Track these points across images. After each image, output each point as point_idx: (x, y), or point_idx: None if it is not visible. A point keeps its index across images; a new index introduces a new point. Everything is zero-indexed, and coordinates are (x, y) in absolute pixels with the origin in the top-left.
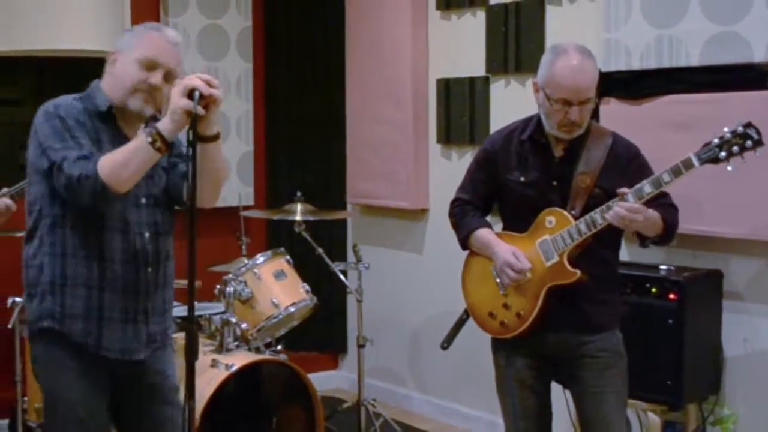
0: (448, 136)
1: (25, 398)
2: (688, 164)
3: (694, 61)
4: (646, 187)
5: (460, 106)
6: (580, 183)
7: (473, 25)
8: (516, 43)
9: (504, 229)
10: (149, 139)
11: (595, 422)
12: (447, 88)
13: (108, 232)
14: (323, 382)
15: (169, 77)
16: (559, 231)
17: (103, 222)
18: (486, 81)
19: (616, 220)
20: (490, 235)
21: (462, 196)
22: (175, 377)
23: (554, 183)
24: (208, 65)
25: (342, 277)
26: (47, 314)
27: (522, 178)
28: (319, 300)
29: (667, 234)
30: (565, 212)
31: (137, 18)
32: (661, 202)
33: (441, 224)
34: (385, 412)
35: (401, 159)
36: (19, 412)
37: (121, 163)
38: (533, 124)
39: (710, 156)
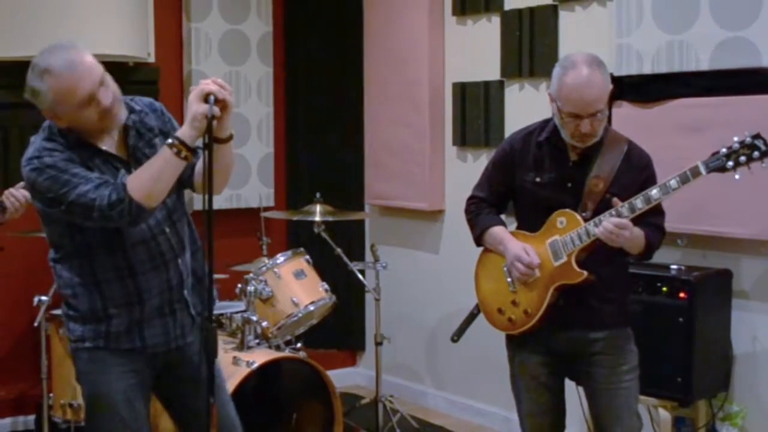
0: (463, 139)
1: (51, 394)
2: (695, 172)
3: (704, 65)
4: (639, 202)
5: (475, 110)
6: (592, 187)
7: (488, 31)
8: (530, 47)
9: (518, 227)
10: (174, 150)
11: (607, 417)
12: (463, 91)
13: (131, 248)
14: (342, 378)
15: (102, 85)
16: (569, 232)
17: (124, 240)
18: (501, 85)
19: (604, 235)
20: (503, 232)
21: (478, 194)
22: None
23: (568, 185)
24: (229, 70)
25: (360, 276)
26: (90, 337)
27: (537, 179)
28: (337, 299)
29: (646, 255)
30: (576, 214)
31: (161, 23)
32: (651, 221)
33: (457, 225)
34: (402, 408)
35: (418, 161)
36: (45, 408)
37: (152, 180)
38: (550, 127)
39: (718, 165)
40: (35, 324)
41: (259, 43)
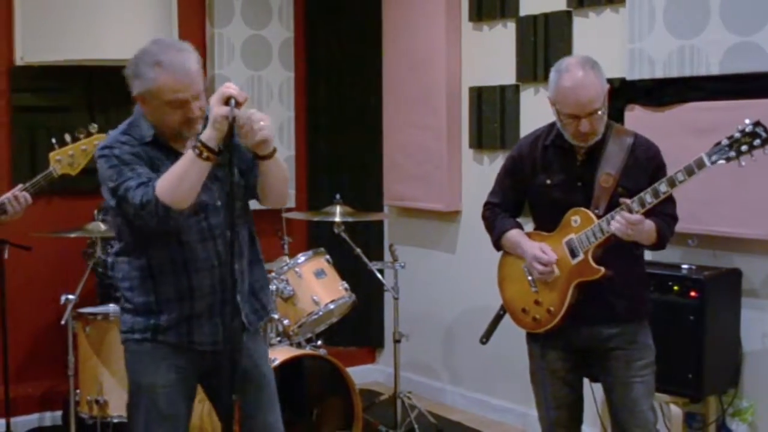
0: (480, 142)
1: (78, 391)
2: (700, 164)
3: (715, 70)
4: (648, 196)
5: (491, 113)
6: (603, 183)
7: (504, 36)
8: (545, 52)
9: (535, 228)
10: (196, 152)
11: (624, 410)
12: (479, 95)
13: (188, 247)
14: (361, 375)
15: (197, 99)
16: (583, 230)
17: (181, 237)
18: (516, 89)
19: (618, 230)
20: (519, 235)
21: (493, 200)
22: (265, 365)
23: (578, 184)
24: (251, 74)
25: (379, 275)
26: (140, 329)
27: (548, 181)
28: (357, 297)
29: (659, 244)
30: (589, 212)
31: (184, 28)
32: (662, 210)
33: (473, 225)
34: (420, 404)
35: (435, 163)
36: (72, 404)
37: (176, 181)
38: (556, 130)
39: (721, 155)
40: (62, 322)
41: (280, 48)
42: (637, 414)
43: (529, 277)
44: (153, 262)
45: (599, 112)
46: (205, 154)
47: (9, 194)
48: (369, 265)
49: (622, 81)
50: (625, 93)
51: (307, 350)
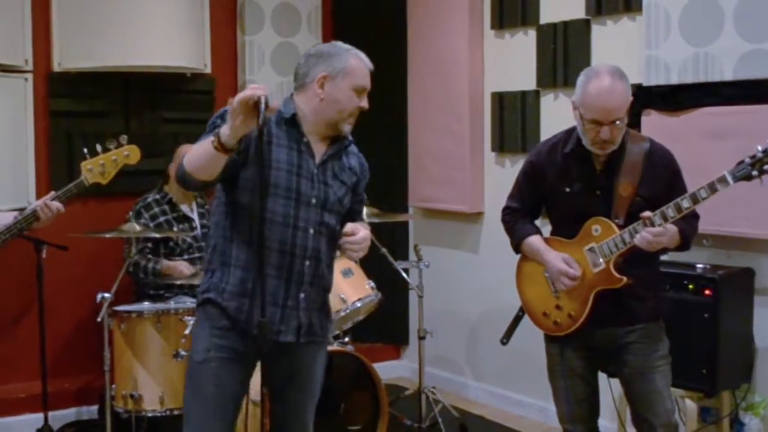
0: (502, 145)
1: (113, 386)
2: (723, 181)
3: (728, 76)
4: (670, 211)
5: (513, 118)
6: (621, 192)
7: (525, 43)
8: (564, 59)
9: (553, 232)
10: (212, 139)
11: (644, 399)
12: (501, 100)
13: (268, 224)
14: (387, 371)
15: (366, 93)
16: (604, 240)
17: (264, 214)
18: (537, 94)
19: (643, 244)
20: (539, 242)
21: (512, 205)
22: (316, 375)
23: (597, 192)
24: (281, 80)
25: (404, 274)
26: (213, 288)
27: (567, 189)
28: (383, 296)
29: (684, 246)
30: (610, 222)
31: (216, 37)
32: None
33: (496, 226)
34: (443, 399)
35: (459, 166)
36: (107, 398)
37: (194, 155)
38: (574, 138)
39: (744, 174)
40: (98, 319)
41: None
42: (656, 404)
43: (550, 284)
44: (235, 226)
45: (621, 122)
46: (216, 143)
47: (40, 201)
48: (394, 265)
49: (639, 87)
50: (641, 98)
51: (335, 347)
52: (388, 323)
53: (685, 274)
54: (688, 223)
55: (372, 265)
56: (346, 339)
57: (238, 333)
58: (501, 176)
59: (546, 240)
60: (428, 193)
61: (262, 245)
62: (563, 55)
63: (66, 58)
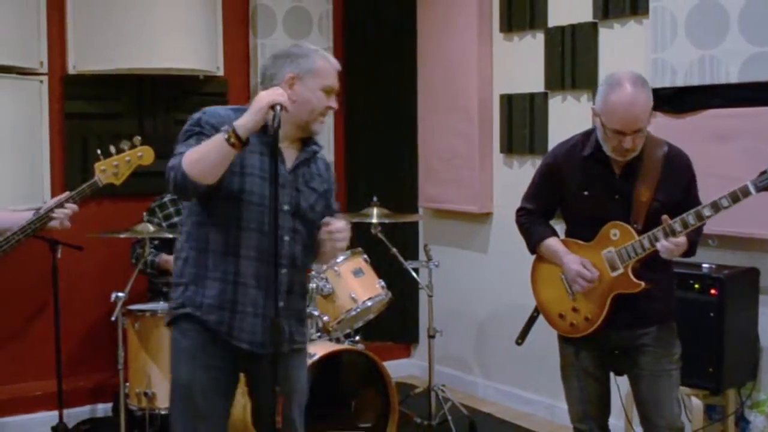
0: (510, 147)
1: (127, 384)
2: (745, 192)
3: (733, 78)
4: (690, 218)
5: (521, 119)
6: (640, 197)
7: (533, 46)
8: (572, 62)
9: (567, 233)
10: (225, 136)
11: (650, 401)
12: (509, 102)
13: (245, 232)
14: (397, 369)
15: (336, 94)
16: (623, 244)
17: (241, 222)
18: (545, 96)
19: (665, 253)
20: (558, 244)
21: (527, 206)
22: (301, 381)
23: (616, 197)
24: None
25: (414, 274)
26: (189, 302)
27: (585, 193)
28: (393, 295)
29: (690, 253)
30: (629, 227)
31: (229, 39)
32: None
33: (504, 226)
34: (453, 397)
35: (468, 167)
36: (122, 396)
37: (199, 156)
38: (593, 141)
39: (766, 184)
40: (113, 318)
41: None
42: (663, 406)
43: (567, 287)
44: (210, 237)
45: (643, 130)
46: (233, 140)
47: (54, 201)
48: (404, 264)
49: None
50: None
51: (346, 345)
52: (398, 322)
53: (691, 274)
54: (696, 232)
55: (382, 264)
56: (357, 338)
57: (219, 347)
58: (509, 177)
59: (563, 242)
60: (438, 194)
61: (236, 254)
62: (571, 57)
63: (80, 61)
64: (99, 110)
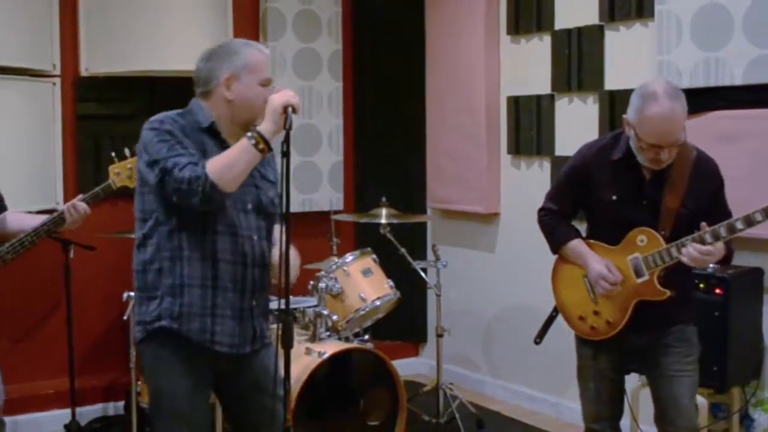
0: (517, 148)
1: (139, 382)
2: None
3: (738, 80)
4: (723, 230)
5: (528, 121)
6: (668, 204)
7: (540, 48)
8: (578, 64)
9: (589, 235)
10: (252, 142)
11: (669, 401)
12: (516, 104)
13: (219, 236)
14: (405, 368)
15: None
16: (650, 251)
17: (215, 227)
18: (551, 98)
19: (689, 261)
20: (583, 246)
21: (550, 206)
22: (278, 372)
23: (644, 202)
24: (302, 84)
25: (422, 274)
26: (167, 314)
27: (613, 197)
28: (401, 294)
29: (726, 260)
30: (656, 234)
31: None
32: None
33: (511, 226)
34: (461, 395)
35: (475, 168)
36: (133, 394)
37: (228, 165)
38: (623, 146)
39: None
40: (124, 317)
41: (329, 60)
42: (682, 407)
43: (590, 290)
44: (184, 245)
45: (679, 141)
46: (261, 145)
47: (69, 204)
48: (413, 264)
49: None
50: None
51: (355, 344)
52: (406, 321)
53: (696, 274)
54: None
55: (391, 264)
56: (366, 337)
57: (200, 357)
58: (516, 178)
59: (588, 244)
60: (446, 195)
61: (212, 259)
62: (577, 59)
63: (93, 63)
64: (111, 112)
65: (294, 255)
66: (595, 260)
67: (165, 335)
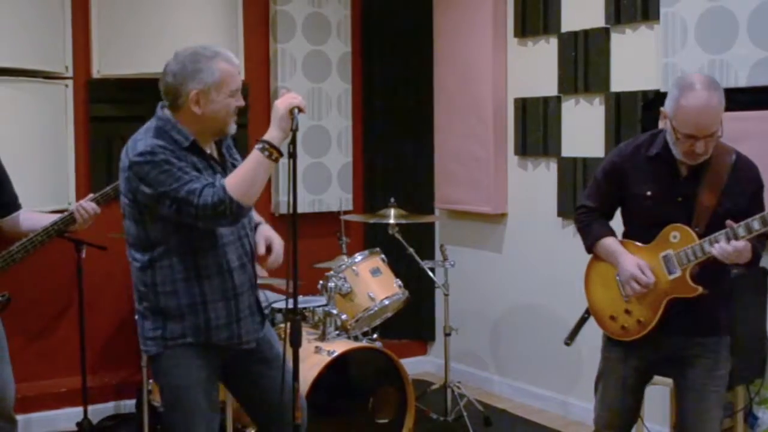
0: (524, 149)
1: (150, 381)
2: None
3: (742, 82)
4: (756, 223)
5: (535, 123)
6: (704, 201)
7: (547, 51)
8: (585, 66)
9: (625, 234)
10: (266, 153)
11: (695, 414)
12: (524, 106)
13: (227, 246)
14: (414, 366)
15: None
16: (683, 247)
17: (224, 239)
18: (558, 100)
19: (721, 255)
20: (615, 244)
21: (588, 204)
22: (278, 345)
23: (679, 199)
24: (312, 86)
25: (430, 273)
26: (191, 332)
27: (648, 193)
28: (410, 294)
29: (754, 263)
30: (690, 230)
31: (250, 44)
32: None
33: (518, 227)
34: (468, 393)
35: (483, 169)
36: (145, 392)
37: (249, 181)
38: (660, 141)
39: None
40: (135, 316)
41: (338, 62)
42: (706, 422)
43: (621, 289)
44: (200, 263)
45: (716, 135)
46: (275, 155)
47: (78, 204)
48: (421, 264)
49: (657, 92)
50: (659, 103)
51: (364, 343)
52: (415, 320)
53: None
54: (758, 241)
55: (400, 264)
56: (375, 335)
57: (214, 350)
58: (523, 179)
59: (621, 243)
60: (453, 195)
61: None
62: (584, 62)
63: (105, 65)
64: (123, 113)
65: (279, 243)
66: (627, 259)
67: (185, 348)
